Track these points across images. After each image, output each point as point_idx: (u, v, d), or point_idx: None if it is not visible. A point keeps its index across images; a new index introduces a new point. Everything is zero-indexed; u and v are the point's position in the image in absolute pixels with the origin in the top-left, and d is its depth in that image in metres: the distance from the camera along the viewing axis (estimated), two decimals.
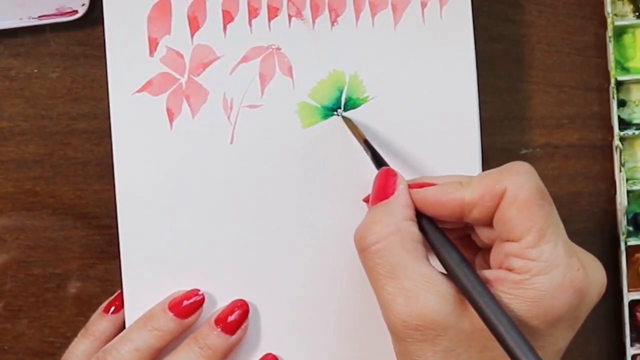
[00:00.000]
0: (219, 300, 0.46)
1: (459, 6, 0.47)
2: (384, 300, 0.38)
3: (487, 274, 0.38)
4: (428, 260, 0.38)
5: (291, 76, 0.47)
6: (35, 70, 0.50)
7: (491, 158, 0.50)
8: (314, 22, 0.47)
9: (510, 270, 0.37)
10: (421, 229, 0.39)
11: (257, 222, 0.46)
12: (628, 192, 0.51)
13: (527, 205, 0.37)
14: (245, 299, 0.46)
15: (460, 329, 0.37)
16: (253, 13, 0.47)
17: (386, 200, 0.40)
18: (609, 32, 0.50)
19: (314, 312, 0.46)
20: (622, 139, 0.50)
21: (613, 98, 0.50)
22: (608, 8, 0.50)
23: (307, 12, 0.47)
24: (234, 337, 0.45)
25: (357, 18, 0.47)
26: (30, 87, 0.50)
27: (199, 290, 0.46)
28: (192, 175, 0.46)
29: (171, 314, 0.45)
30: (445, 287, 0.37)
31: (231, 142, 0.47)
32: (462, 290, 0.37)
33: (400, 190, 0.40)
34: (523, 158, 0.51)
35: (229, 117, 0.46)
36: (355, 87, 0.47)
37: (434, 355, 0.37)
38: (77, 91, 0.50)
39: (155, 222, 0.46)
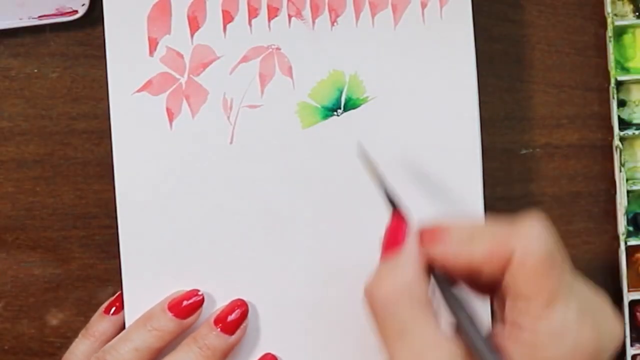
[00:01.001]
0: (219, 300, 0.46)
1: (459, 6, 0.47)
2: (393, 356, 0.37)
3: (499, 331, 0.37)
4: (437, 318, 0.38)
5: (291, 76, 0.47)
6: (35, 70, 0.50)
7: (491, 158, 0.50)
8: (314, 22, 0.47)
9: (521, 329, 0.37)
10: (432, 278, 0.39)
11: (256, 222, 0.46)
12: (628, 192, 0.51)
13: (535, 270, 0.36)
14: (245, 299, 0.46)
15: None
16: (253, 13, 0.47)
17: (396, 257, 0.39)
18: (609, 32, 0.50)
19: (314, 313, 0.46)
20: (622, 139, 0.50)
21: (613, 98, 0.50)
22: (608, 8, 0.50)
23: (307, 12, 0.47)
24: (233, 337, 0.45)
25: (357, 18, 0.47)
26: (30, 87, 0.50)
27: (198, 291, 0.46)
28: (192, 175, 0.46)
29: (171, 314, 0.45)
30: (454, 349, 0.37)
31: (231, 142, 0.47)
32: (473, 349, 0.37)
33: (411, 245, 0.39)
34: (523, 158, 0.51)
35: (229, 117, 0.46)
36: (355, 87, 0.47)
37: None
38: (77, 91, 0.50)
39: (155, 222, 0.46)
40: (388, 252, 0.40)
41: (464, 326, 0.37)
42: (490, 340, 0.37)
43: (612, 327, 0.38)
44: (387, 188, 0.43)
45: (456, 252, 0.38)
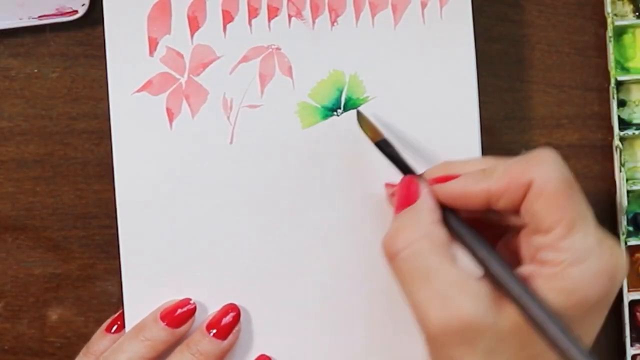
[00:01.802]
0: (214, 302, 0.46)
1: (459, 6, 0.47)
2: (419, 305, 0.37)
3: (521, 270, 0.38)
4: (459, 261, 0.38)
5: (291, 76, 0.47)
6: (35, 70, 0.50)
7: None
8: (314, 22, 0.47)
9: (543, 263, 0.37)
10: (449, 227, 0.39)
11: (256, 222, 0.46)
12: (628, 192, 0.51)
13: (556, 197, 0.37)
14: (244, 300, 0.46)
15: (498, 327, 0.36)
16: (253, 13, 0.47)
17: (411, 206, 0.39)
18: (609, 32, 0.50)
19: (310, 314, 0.46)
20: (622, 139, 0.50)
21: (613, 98, 0.50)
22: (608, 8, 0.50)
23: (307, 12, 0.47)
24: (226, 342, 0.45)
25: (357, 18, 0.47)
26: (30, 87, 0.50)
27: (190, 300, 0.46)
28: (192, 175, 0.46)
29: (163, 323, 0.45)
30: (479, 287, 0.37)
31: (231, 142, 0.47)
32: (500, 284, 0.37)
33: (425, 194, 0.40)
34: None
35: (228, 117, 0.46)
36: (355, 87, 0.47)
37: (474, 357, 0.36)
38: (77, 91, 0.50)
39: (155, 222, 0.46)
40: (402, 207, 0.40)
41: (488, 264, 0.37)
42: (517, 275, 0.37)
43: (622, 258, 0.38)
44: (396, 155, 0.43)
45: (473, 186, 0.38)
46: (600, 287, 0.36)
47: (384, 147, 0.43)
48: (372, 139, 0.44)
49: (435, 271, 0.37)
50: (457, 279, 0.37)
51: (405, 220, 0.39)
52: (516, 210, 0.38)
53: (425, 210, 0.39)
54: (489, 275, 0.37)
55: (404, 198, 0.40)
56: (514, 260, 0.40)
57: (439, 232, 0.38)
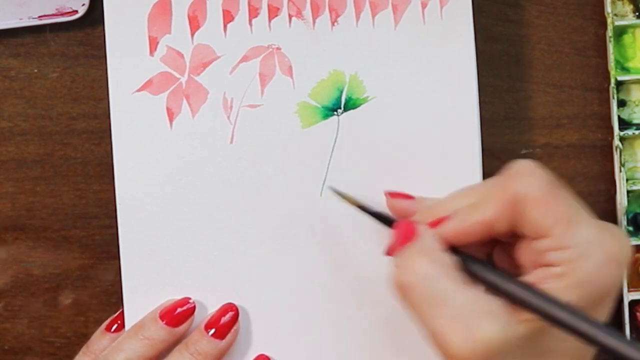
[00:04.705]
0: (213, 302, 0.46)
1: (459, 6, 0.47)
2: (438, 331, 0.37)
3: (529, 277, 0.38)
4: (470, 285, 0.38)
5: (291, 76, 0.47)
6: (35, 70, 0.50)
7: (491, 158, 0.50)
8: (314, 22, 0.47)
9: (550, 264, 0.37)
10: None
11: (256, 222, 0.46)
12: (628, 192, 0.51)
13: (545, 200, 0.37)
14: (242, 299, 0.46)
15: (519, 336, 0.37)
16: (253, 13, 0.47)
17: (414, 241, 0.39)
18: (609, 32, 0.50)
19: (311, 315, 0.46)
20: (622, 139, 0.50)
21: (613, 98, 0.50)
22: (608, 8, 0.50)
23: (307, 12, 0.47)
24: (224, 342, 0.45)
25: (358, 18, 0.47)
26: (30, 87, 0.50)
27: (189, 299, 0.46)
28: (191, 175, 0.46)
29: (162, 322, 0.45)
30: (494, 304, 0.37)
31: (231, 142, 0.47)
32: (516, 301, 0.37)
33: (426, 231, 0.39)
34: (523, 158, 0.51)
35: (229, 117, 0.46)
36: (355, 87, 0.47)
37: None
38: (77, 91, 0.50)
39: (155, 222, 0.46)
40: (400, 246, 0.40)
41: (503, 285, 0.38)
42: (539, 291, 0.37)
43: (625, 241, 0.38)
44: (378, 214, 0.43)
45: (467, 221, 0.39)
46: (609, 275, 0.37)
47: (367, 208, 0.43)
48: (354, 205, 0.44)
49: (450, 295, 0.37)
50: (473, 300, 0.37)
51: (411, 253, 0.39)
52: (513, 229, 0.38)
53: (428, 241, 0.39)
54: (501, 292, 0.38)
55: (402, 238, 0.40)
56: (511, 268, 0.40)
57: (448, 260, 0.38)
